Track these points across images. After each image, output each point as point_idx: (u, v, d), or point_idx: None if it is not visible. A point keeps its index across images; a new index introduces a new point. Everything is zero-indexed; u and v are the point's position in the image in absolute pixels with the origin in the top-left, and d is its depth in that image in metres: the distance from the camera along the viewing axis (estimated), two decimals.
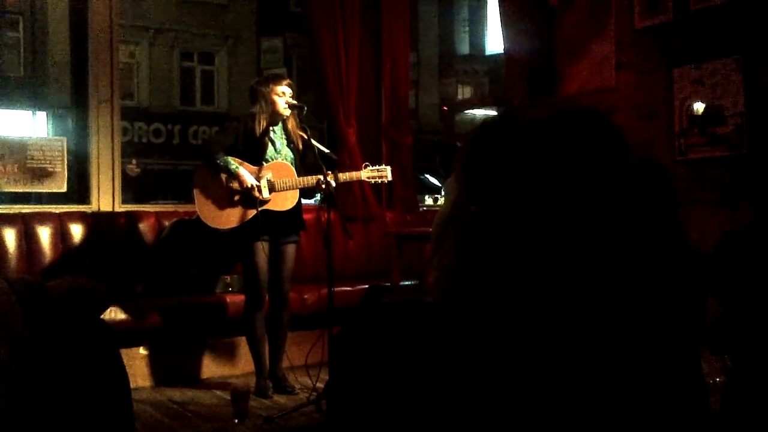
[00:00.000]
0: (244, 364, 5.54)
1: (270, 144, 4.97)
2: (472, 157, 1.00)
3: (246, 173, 4.85)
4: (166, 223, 5.86)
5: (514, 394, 0.84)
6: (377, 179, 5.15)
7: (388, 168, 5.19)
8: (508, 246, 0.93)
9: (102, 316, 2.58)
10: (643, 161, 0.97)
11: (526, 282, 0.90)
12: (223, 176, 4.90)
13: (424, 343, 0.88)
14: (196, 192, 5.01)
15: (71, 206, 6.02)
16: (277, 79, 5.01)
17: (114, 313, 5.03)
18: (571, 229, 0.90)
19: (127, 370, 2.54)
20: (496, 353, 0.86)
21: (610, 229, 0.91)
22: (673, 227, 0.96)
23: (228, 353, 5.67)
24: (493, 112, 7.50)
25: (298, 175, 4.93)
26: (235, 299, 5.50)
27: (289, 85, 4.94)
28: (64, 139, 6.22)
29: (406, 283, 6.05)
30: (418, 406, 0.85)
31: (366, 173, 5.13)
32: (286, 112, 4.91)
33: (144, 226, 5.87)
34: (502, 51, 7.24)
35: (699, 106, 5.66)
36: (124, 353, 2.69)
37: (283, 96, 4.89)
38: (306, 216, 5.21)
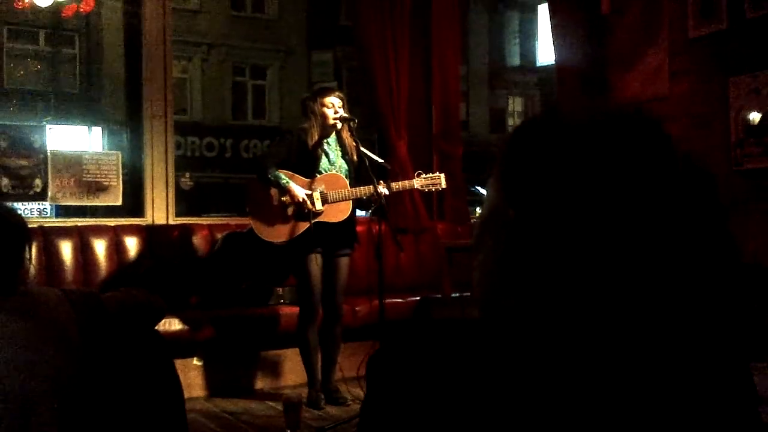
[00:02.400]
0: (296, 375, 5.55)
1: (324, 156, 4.99)
2: (510, 157, 0.95)
3: (296, 187, 4.87)
4: (219, 236, 5.91)
5: (554, 414, 0.82)
6: (431, 187, 5.15)
7: (442, 175, 5.18)
8: (548, 255, 0.88)
9: (156, 327, 2.60)
10: (691, 168, 0.93)
11: (568, 294, 0.87)
12: (275, 190, 4.93)
13: (463, 366, 0.86)
14: (249, 207, 5.05)
15: (126, 219, 6.12)
16: (325, 92, 5.04)
17: (168, 325, 5.07)
18: (616, 238, 0.86)
19: (181, 380, 2.57)
20: (537, 374, 0.83)
21: (655, 240, 0.86)
22: (724, 238, 0.93)
23: (280, 364, 5.69)
24: None
25: (352, 186, 4.94)
26: (287, 311, 5.52)
27: (339, 97, 4.96)
28: (119, 153, 6.32)
29: (458, 294, 6.03)
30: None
31: (419, 181, 5.12)
32: (337, 123, 4.92)
33: (197, 239, 5.92)
34: (553, 62, 7.20)
35: (755, 116, 5.57)
36: (178, 364, 2.71)
37: (331, 107, 4.91)
38: (358, 228, 5.21)
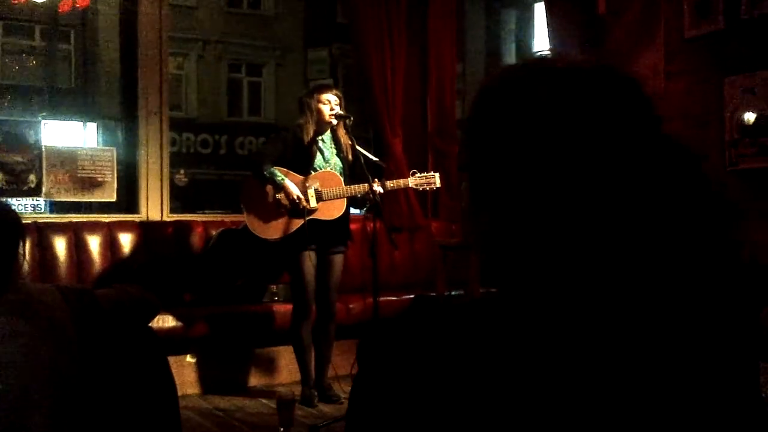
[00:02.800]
0: (290, 373, 5.55)
1: (319, 153, 4.99)
2: (473, 120, 0.92)
3: (291, 184, 4.87)
4: (214, 233, 5.90)
5: (535, 403, 0.80)
6: (425, 186, 5.15)
7: (437, 175, 5.18)
8: (512, 232, 0.85)
9: (150, 324, 2.60)
10: (670, 141, 0.87)
11: (551, 271, 0.83)
12: (270, 187, 4.93)
13: (453, 349, 0.83)
14: (244, 203, 5.05)
15: (120, 215, 6.11)
16: (322, 89, 5.05)
17: (162, 321, 5.07)
18: (595, 212, 0.81)
19: (175, 377, 2.56)
20: (528, 357, 0.81)
21: (636, 213, 0.82)
22: (712, 208, 0.88)
23: (274, 362, 5.69)
24: None
25: (346, 184, 4.94)
26: (281, 309, 5.52)
27: (336, 95, 4.96)
28: (114, 149, 6.31)
29: (452, 293, 6.03)
30: (443, 413, 0.82)
31: (414, 180, 5.12)
32: (332, 120, 4.92)
33: (192, 236, 5.92)
34: None
35: (750, 116, 5.57)
36: (172, 361, 2.71)
37: (327, 104, 4.91)
38: (352, 226, 5.21)
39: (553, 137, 0.83)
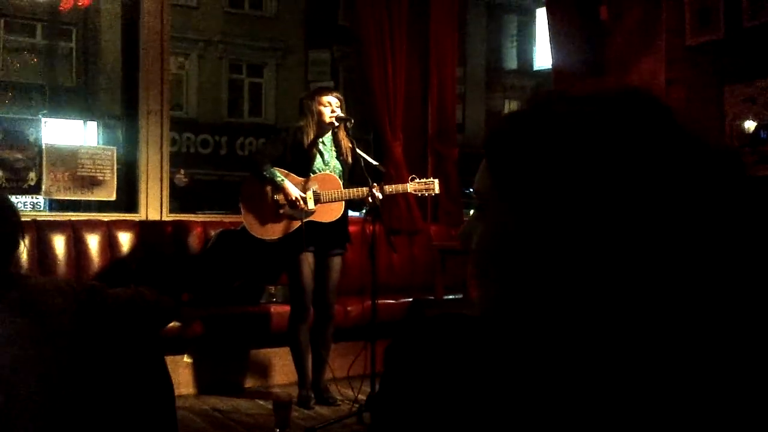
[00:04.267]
0: (287, 374, 5.55)
1: (318, 155, 5.00)
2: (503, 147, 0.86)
3: (291, 185, 4.88)
4: (213, 233, 5.91)
5: (569, 413, 0.79)
6: (424, 192, 5.15)
7: (436, 181, 5.18)
8: (554, 251, 0.81)
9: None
10: (718, 147, 0.84)
11: (582, 296, 0.80)
12: (269, 188, 4.94)
13: (485, 360, 0.82)
14: (242, 203, 5.05)
15: (120, 214, 6.11)
16: (322, 91, 5.06)
17: None
18: (631, 225, 0.78)
19: (171, 377, 2.56)
20: (553, 373, 0.80)
21: (674, 233, 0.78)
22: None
23: (271, 363, 5.69)
24: None
25: (345, 187, 4.94)
26: (279, 310, 5.52)
27: (337, 97, 4.97)
28: (114, 148, 6.32)
29: (450, 297, 6.03)
30: (470, 424, 0.81)
31: (412, 186, 5.12)
32: (333, 122, 4.92)
33: (190, 236, 5.92)
34: (551, 66, 7.21)
35: (750, 125, 5.58)
36: (169, 360, 2.70)
37: (328, 106, 4.91)
38: (351, 228, 5.22)
39: (597, 174, 0.80)
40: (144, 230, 5.83)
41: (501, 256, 0.87)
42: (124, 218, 5.99)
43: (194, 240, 5.92)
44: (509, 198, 0.85)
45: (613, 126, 0.82)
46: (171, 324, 5.08)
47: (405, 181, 5.29)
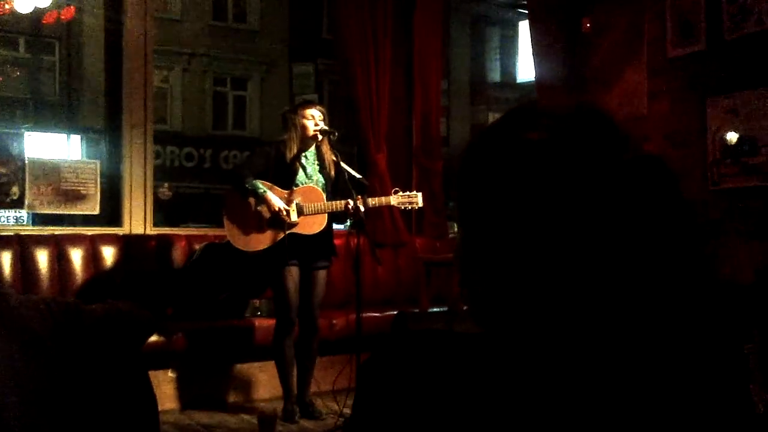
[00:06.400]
0: (272, 388, 5.53)
1: (301, 169, 4.99)
2: (464, 171, 0.95)
3: (274, 197, 4.87)
4: (197, 247, 5.89)
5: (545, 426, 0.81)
6: (407, 205, 5.15)
7: (419, 194, 5.18)
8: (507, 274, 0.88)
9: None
10: (638, 155, 0.90)
11: (550, 309, 0.86)
12: (252, 200, 4.93)
13: (457, 376, 0.85)
14: (225, 216, 5.04)
15: (103, 228, 6.09)
16: (305, 104, 5.06)
17: None
18: (575, 244, 0.84)
19: (155, 392, 2.55)
20: (529, 387, 0.83)
21: (623, 251, 0.84)
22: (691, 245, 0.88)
23: (255, 377, 5.67)
24: None
25: (328, 200, 4.94)
26: (263, 323, 5.51)
27: (320, 110, 4.97)
28: (98, 162, 6.30)
29: (435, 309, 6.03)
30: None
31: (396, 199, 5.13)
32: (317, 135, 4.92)
33: (175, 249, 5.90)
34: (534, 79, 7.24)
35: (732, 136, 5.62)
36: (152, 375, 2.69)
37: (311, 119, 4.92)
38: (335, 241, 5.21)
39: (534, 188, 0.87)
40: (128, 244, 5.81)
41: (459, 265, 0.96)
42: (107, 232, 5.97)
43: (178, 253, 5.91)
44: (460, 212, 0.95)
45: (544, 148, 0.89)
46: (154, 338, 5.09)
47: (389, 194, 5.29)
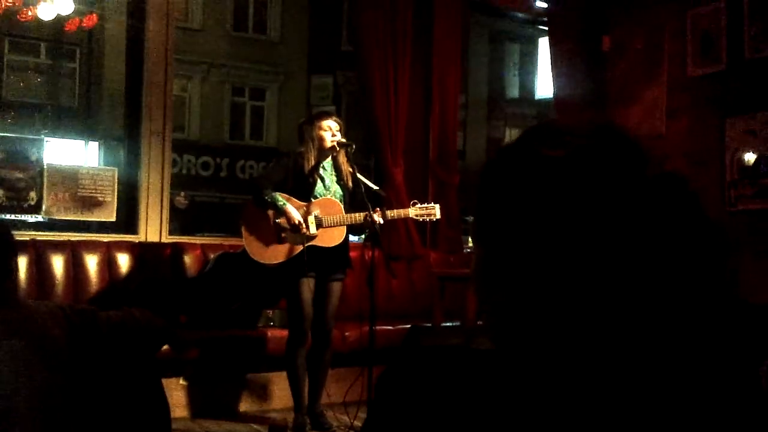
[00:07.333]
0: (283, 399, 5.52)
1: (319, 181, 4.99)
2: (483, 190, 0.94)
3: (293, 209, 4.87)
4: (212, 256, 5.90)
5: None
6: (425, 217, 5.14)
7: (437, 206, 5.18)
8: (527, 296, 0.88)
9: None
10: (660, 173, 0.90)
11: (566, 327, 0.86)
12: (271, 212, 4.93)
13: (476, 393, 0.84)
14: (243, 227, 5.04)
15: (119, 236, 6.10)
16: (322, 116, 5.05)
17: None
18: (606, 273, 0.84)
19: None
20: (544, 403, 0.82)
21: (644, 272, 0.84)
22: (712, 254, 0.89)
23: (267, 388, 5.67)
24: None
25: (347, 212, 4.94)
26: (276, 334, 5.50)
27: (336, 122, 4.97)
28: (115, 169, 6.32)
29: (448, 324, 6.01)
30: None
31: (414, 211, 5.12)
32: (334, 146, 4.93)
33: (189, 258, 5.91)
34: (552, 95, 7.23)
35: (750, 157, 5.59)
36: (164, 383, 2.69)
37: (328, 130, 4.91)
38: (351, 254, 5.20)
39: (556, 205, 0.87)
40: (143, 252, 5.83)
41: (478, 284, 0.96)
42: (123, 239, 5.99)
43: (193, 262, 5.92)
44: (479, 231, 0.95)
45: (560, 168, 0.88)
46: (165, 347, 5.09)
47: (406, 207, 5.28)
